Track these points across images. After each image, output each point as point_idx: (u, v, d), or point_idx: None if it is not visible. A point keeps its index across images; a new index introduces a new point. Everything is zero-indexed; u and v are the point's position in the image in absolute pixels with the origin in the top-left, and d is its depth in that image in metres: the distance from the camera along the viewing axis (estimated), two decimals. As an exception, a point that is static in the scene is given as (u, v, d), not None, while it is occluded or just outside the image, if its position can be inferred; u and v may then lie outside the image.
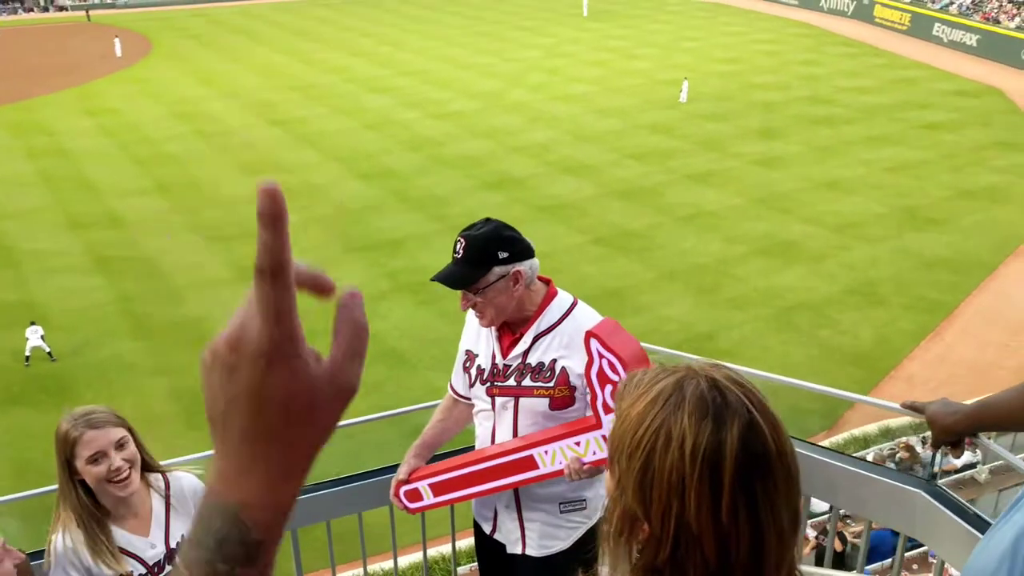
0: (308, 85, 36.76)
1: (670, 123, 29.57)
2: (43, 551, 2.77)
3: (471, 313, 3.04)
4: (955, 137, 27.22)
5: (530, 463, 2.93)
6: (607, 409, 2.72)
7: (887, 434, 12.53)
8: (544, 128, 29.58)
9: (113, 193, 24.52)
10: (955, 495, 2.76)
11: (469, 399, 3.21)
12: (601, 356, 2.69)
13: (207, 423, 0.67)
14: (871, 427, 13.04)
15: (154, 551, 2.85)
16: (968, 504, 2.71)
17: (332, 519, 3.61)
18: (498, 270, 2.85)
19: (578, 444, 2.85)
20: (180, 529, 2.87)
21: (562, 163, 25.81)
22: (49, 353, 15.92)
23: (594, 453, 2.83)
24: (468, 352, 3.16)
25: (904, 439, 11.02)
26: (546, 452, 2.89)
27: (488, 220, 2.95)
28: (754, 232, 20.69)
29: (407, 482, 3.20)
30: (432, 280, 2.92)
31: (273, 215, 0.64)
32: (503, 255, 2.85)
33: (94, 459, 2.70)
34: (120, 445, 2.70)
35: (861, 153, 26.06)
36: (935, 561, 3.25)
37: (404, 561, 7.17)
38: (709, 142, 27.41)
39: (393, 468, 3.31)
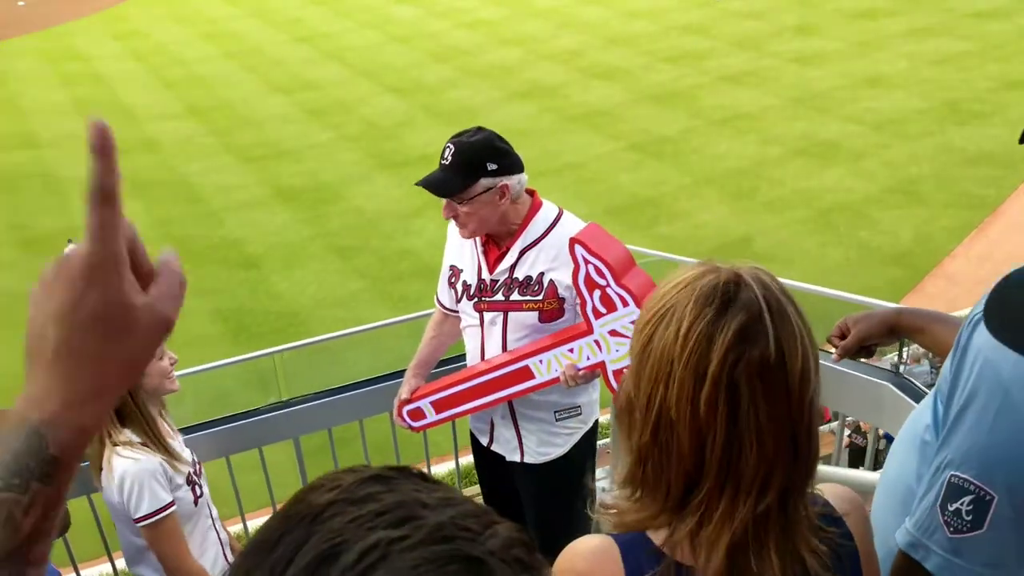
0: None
1: (704, 22, 28.72)
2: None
3: (453, 225, 3.00)
4: (1004, 26, 26.09)
5: (526, 373, 2.95)
6: (596, 314, 2.74)
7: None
8: (574, 33, 28.91)
9: (147, 117, 24.62)
10: (921, 385, 2.80)
11: (457, 312, 3.21)
12: (587, 262, 2.68)
13: (26, 357, 0.70)
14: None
15: (178, 443, 2.90)
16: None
17: (334, 426, 3.67)
18: (485, 182, 2.79)
19: (571, 351, 2.86)
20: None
21: (593, 69, 25.30)
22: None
23: (588, 359, 2.85)
24: (452, 267, 3.10)
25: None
26: (540, 361, 2.91)
27: (480, 129, 2.89)
28: (791, 133, 20.26)
29: (409, 401, 3.22)
30: (416, 185, 2.87)
31: (103, 147, 0.69)
32: (492, 167, 2.79)
33: (160, 355, 2.69)
34: None
35: (903, 46, 25.14)
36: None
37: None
38: (744, 41, 26.62)
39: (399, 375, 3.35)
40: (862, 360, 2.18)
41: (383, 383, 3.63)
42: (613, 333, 2.77)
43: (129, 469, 2.62)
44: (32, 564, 0.67)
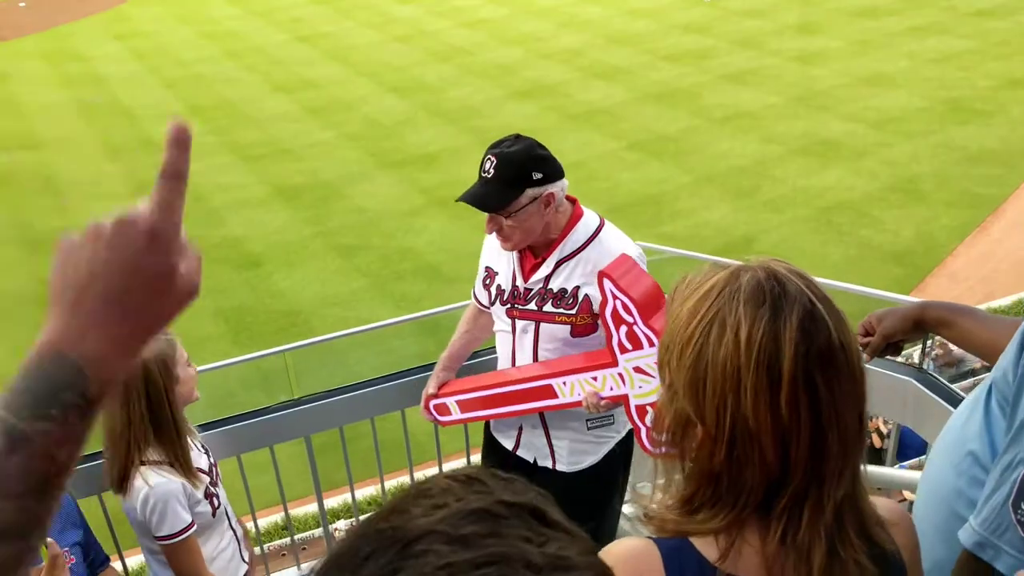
0: (334, -2, 36.17)
1: (705, 21, 28.71)
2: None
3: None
4: (1006, 24, 26.07)
5: (549, 392, 2.94)
6: (622, 349, 2.73)
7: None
8: (575, 32, 28.91)
9: (148, 117, 24.60)
10: (945, 382, 2.77)
11: (491, 309, 3.19)
12: (615, 297, 2.64)
13: (51, 295, 0.74)
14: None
15: (196, 445, 2.88)
16: (959, 391, 2.72)
17: (346, 424, 3.65)
18: (531, 192, 2.70)
19: (595, 379, 2.83)
20: None
21: (594, 68, 25.29)
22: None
23: (611, 389, 2.83)
24: (488, 269, 3.04)
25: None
26: (564, 383, 2.89)
27: (519, 137, 2.78)
28: (793, 131, 20.24)
29: (436, 396, 3.21)
30: (459, 201, 2.76)
31: (182, 140, 0.78)
32: (537, 176, 2.70)
33: (188, 361, 2.67)
34: None
35: (904, 45, 25.14)
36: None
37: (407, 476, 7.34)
38: (746, 40, 26.61)
39: (428, 368, 3.34)
40: (887, 357, 2.14)
41: (395, 381, 3.62)
42: (638, 370, 2.75)
43: (153, 491, 2.65)
44: (57, 499, 0.70)
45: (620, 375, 2.74)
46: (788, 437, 1.06)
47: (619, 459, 3.16)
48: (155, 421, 2.63)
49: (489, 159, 2.72)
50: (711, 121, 21.05)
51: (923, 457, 7.27)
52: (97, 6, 39.17)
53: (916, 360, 2.88)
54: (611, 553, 1.16)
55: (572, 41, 28.01)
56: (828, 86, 22.65)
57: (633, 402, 2.80)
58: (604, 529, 3.24)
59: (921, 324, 1.97)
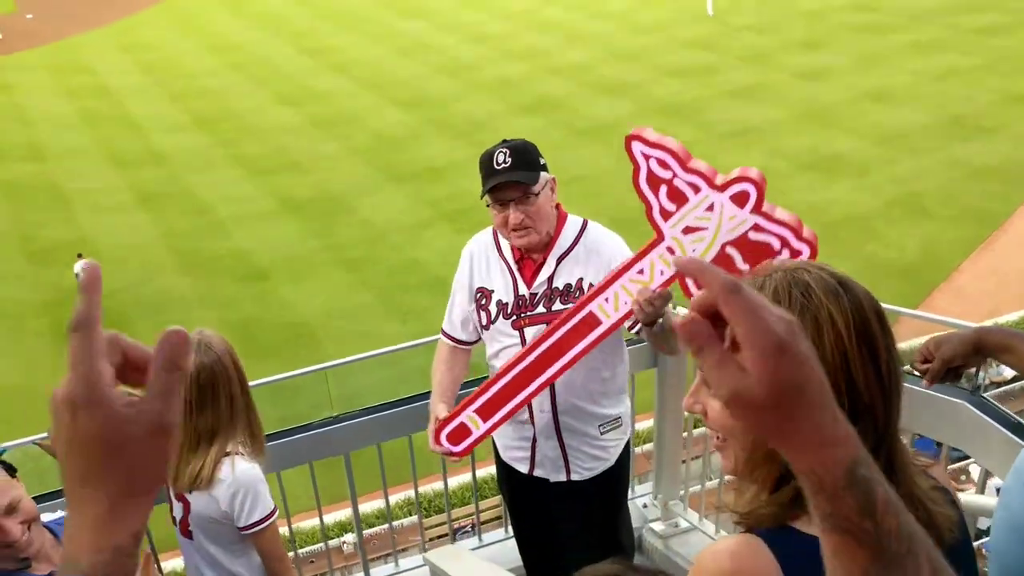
0: (340, 12, 36.35)
1: (711, 37, 28.83)
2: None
3: (467, 252, 2.98)
4: (1008, 41, 26.17)
5: (591, 321, 2.64)
6: (665, 215, 2.50)
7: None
8: (580, 47, 29.03)
9: (154, 129, 24.72)
10: (1000, 405, 2.77)
11: (468, 344, 3.08)
12: (647, 157, 2.45)
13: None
14: (917, 341, 12.95)
15: None
16: (1014, 415, 2.73)
17: (382, 442, 3.60)
18: (543, 175, 2.78)
19: (641, 272, 2.58)
20: None
21: (599, 83, 25.39)
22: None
23: (661, 273, 2.55)
24: (481, 289, 2.97)
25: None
26: (606, 300, 2.61)
27: (506, 140, 2.91)
28: (798, 147, 20.31)
29: (448, 421, 2.89)
30: (489, 191, 2.75)
31: (89, 286, 0.72)
32: (542, 161, 2.80)
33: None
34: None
35: (908, 62, 25.24)
36: (978, 470, 3.29)
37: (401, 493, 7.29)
38: (751, 56, 26.72)
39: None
40: (947, 383, 2.12)
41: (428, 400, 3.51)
42: (687, 230, 2.49)
43: (241, 479, 2.57)
44: None
45: (669, 248, 2.53)
46: (890, 400, 1.13)
47: (627, 460, 3.20)
48: (247, 405, 2.61)
49: (501, 152, 2.77)
50: (716, 136, 21.12)
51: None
52: (104, 19, 39.41)
53: (968, 383, 2.85)
54: (717, 552, 1.18)
55: (577, 56, 28.14)
56: (833, 102, 22.75)
57: (688, 278, 2.44)
58: (624, 521, 3.34)
59: (981, 349, 1.96)
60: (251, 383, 2.80)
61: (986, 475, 3.19)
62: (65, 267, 16.74)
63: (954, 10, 29.73)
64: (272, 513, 2.69)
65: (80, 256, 16.42)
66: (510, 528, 3.76)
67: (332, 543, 8.72)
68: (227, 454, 2.59)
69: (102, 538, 0.68)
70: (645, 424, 6.61)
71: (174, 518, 2.75)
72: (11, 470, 2.12)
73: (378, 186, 19.74)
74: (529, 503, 3.31)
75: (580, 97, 24.49)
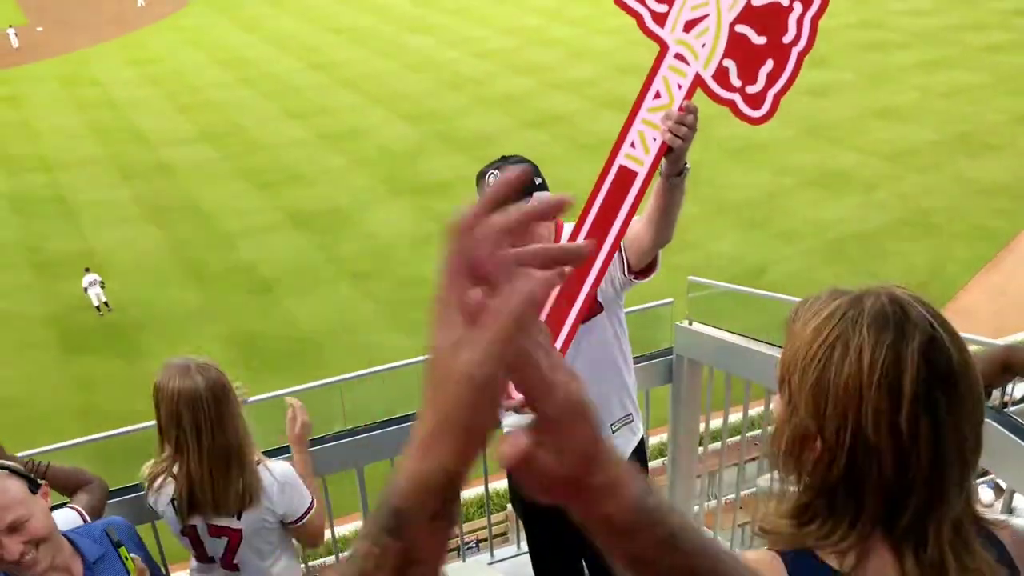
0: (348, 28, 36.54)
1: (716, 54, 28.89)
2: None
3: None
4: (1016, 59, 26.22)
5: (626, 177, 2.46)
6: (659, 19, 2.38)
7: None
8: (586, 63, 29.13)
9: (162, 142, 24.80)
10: None
11: None
12: None
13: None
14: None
15: None
16: None
17: (397, 456, 3.59)
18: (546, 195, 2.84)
19: (658, 96, 2.41)
20: None
21: (604, 98, 25.45)
22: (105, 303, 16.20)
23: (678, 87, 2.39)
24: None
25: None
26: (632, 145, 2.44)
27: (506, 157, 2.93)
28: (804, 163, 20.32)
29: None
30: (514, 202, 2.77)
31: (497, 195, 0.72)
32: (538, 181, 2.80)
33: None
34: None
35: (914, 78, 25.28)
36: (1004, 488, 3.25)
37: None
38: (756, 72, 26.76)
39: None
40: None
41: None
42: (688, 26, 2.35)
43: (280, 477, 2.60)
44: None
45: (678, 55, 2.38)
46: (907, 454, 1.09)
47: (640, 458, 3.22)
48: (243, 428, 2.64)
49: (504, 168, 2.78)
50: (722, 152, 21.13)
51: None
52: (113, 32, 39.64)
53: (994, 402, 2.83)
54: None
55: (582, 71, 28.21)
56: (839, 118, 22.77)
57: (707, 74, 2.38)
58: None
59: (1010, 368, 1.95)
60: (260, 397, 2.80)
61: (1012, 494, 3.15)
62: (72, 279, 16.76)
63: (961, 28, 29.81)
64: (312, 497, 2.76)
65: (88, 270, 16.42)
66: (522, 544, 3.74)
67: (344, 556, 8.67)
68: (257, 462, 2.62)
69: (407, 460, 0.67)
70: (656, 438, 6.58)
71: (211, 557, 2.69)
72: (34, 486, 2.07)
73: (384, 200, 19.77)
74: (543, 512, 3.32)
75: (584, 112, 24.57)
